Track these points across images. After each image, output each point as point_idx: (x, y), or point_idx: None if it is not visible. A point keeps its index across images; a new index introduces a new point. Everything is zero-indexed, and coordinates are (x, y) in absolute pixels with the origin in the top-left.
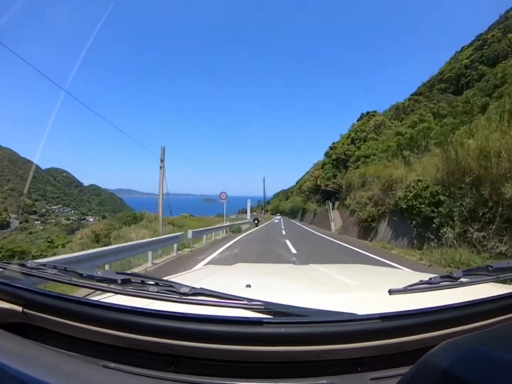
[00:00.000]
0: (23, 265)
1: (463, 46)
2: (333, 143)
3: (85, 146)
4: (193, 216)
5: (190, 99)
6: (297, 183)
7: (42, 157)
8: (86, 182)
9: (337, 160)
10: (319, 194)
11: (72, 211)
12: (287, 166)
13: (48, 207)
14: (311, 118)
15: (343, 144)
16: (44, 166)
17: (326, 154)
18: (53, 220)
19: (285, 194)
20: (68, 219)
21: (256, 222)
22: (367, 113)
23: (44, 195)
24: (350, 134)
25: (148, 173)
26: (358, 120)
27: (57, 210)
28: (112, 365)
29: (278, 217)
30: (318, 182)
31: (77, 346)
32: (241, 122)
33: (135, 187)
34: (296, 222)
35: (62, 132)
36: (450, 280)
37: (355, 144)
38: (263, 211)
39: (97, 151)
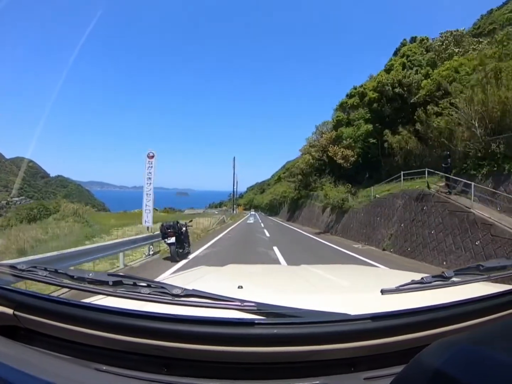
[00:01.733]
0: (13, 267)
1: (492, 9)
2: (354, 87)
3: (57, 137)
4: (156, 210)
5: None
6: (272, 176)
7: (8, 145)
8: (53, 173)
9: (379, 101)
10: (326, 173)
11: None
12: (261, 160)
13: (9, 199)
14: (287, 111)
15: (384, 77)
16: (9, 155)
17: (340, 106)
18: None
19: (260, 187)
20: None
21: (179, 248)
22: (414, 38)
23: (7, 185)
24: (393, 63)
25: (121, 166)
26: (395, 54)
27: (18, 202)
28: (104, 367)
29: (253, 213)
30: (331, 153)
31: (68, 348)
32: (215, 114)
33: (108, 179)
34: (287, 225)
35: (33, 121)
36: (441, 280)
37: (415, 71)
38: (234, 205)
39: (69, 143)
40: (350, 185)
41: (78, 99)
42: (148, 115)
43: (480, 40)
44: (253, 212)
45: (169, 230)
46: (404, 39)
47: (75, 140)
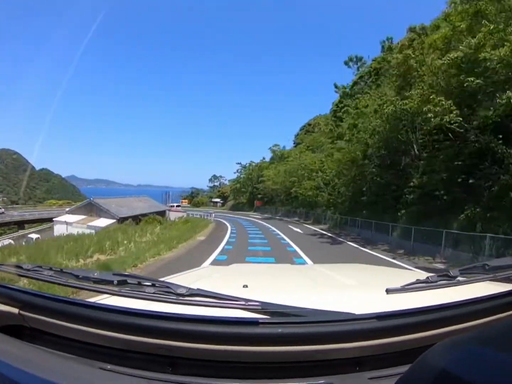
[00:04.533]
0: (19, 267)
1: None
2: None
3: (62, 134)
4: None
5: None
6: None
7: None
8: (38, 166)
9: None
10: None
11: (3, 199)
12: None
13: None
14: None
15: None
16: None
17: None
18: None
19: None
20: None
21: None
22: None
23: None
24: None
25: (127, 165)
26: None
27: None
28: (109, 366)
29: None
30: None
31: (73, 348)
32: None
33: (114, 178)
34: None
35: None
36: (447, 279)
37: None
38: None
39: (77, 142)
40: None
41: (86, 101)
42: (154, 114)
43: None
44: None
45: None
46: None
47: (83, 139)
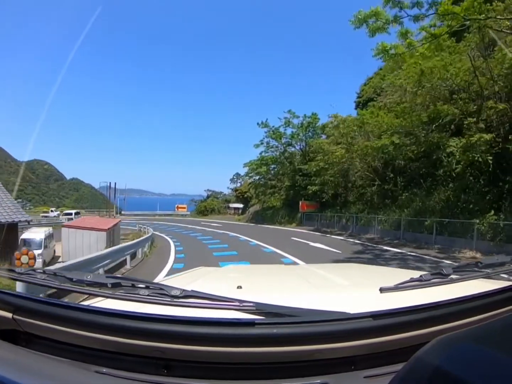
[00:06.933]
0: (12, 271)
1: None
2: None
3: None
4: None
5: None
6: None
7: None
8: (69, 176)
9: None
10: None
11: (32, 207)
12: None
13: None
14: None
15: None
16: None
17: None
18: None
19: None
20: None
21: None
22: None
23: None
24: None
25: (159, 174)
26: None
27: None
28: (104, 370)
29: None
30: None
31: (68, 351)
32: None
33: (147, 187)
34: None
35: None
36: (440, 277)
37: None
38: None
39: (108, 151)
40: None
41: (120, 113)
42: (184, 120)
43: None
44: None
45: None
46: None
47: (117, 151)
